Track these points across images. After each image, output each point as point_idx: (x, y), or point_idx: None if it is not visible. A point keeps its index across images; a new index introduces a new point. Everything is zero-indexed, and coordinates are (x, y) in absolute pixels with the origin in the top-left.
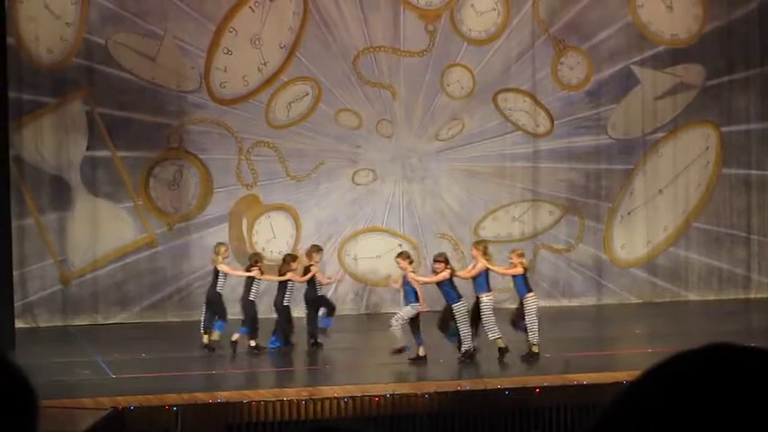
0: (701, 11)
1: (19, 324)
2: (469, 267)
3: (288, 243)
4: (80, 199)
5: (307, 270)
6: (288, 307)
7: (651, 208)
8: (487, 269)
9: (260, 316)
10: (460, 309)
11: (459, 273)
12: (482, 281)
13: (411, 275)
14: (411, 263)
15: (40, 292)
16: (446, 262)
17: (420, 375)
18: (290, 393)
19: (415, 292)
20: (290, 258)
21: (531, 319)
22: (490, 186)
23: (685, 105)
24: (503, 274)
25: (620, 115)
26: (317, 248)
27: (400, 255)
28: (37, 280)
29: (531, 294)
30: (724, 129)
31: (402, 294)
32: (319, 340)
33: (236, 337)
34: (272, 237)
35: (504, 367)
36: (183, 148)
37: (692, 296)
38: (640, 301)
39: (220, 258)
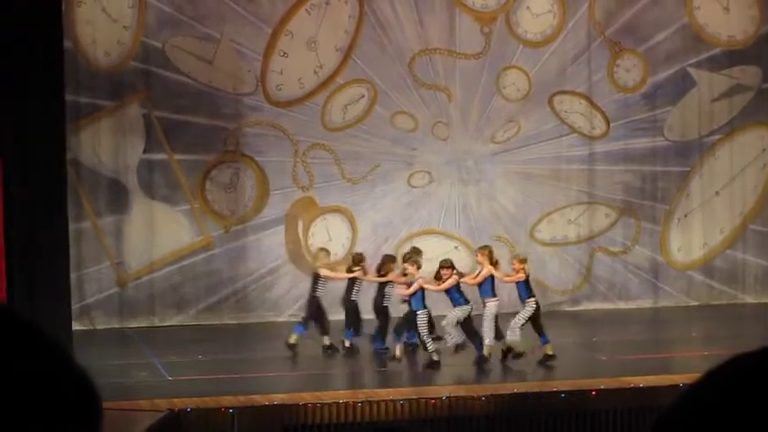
0: (757, 12)
1: (76, 326)
2: (475, 273)
3: (343, 245)
4: (137, 202)
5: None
6: (386, 307)
7: (708, 210)
8: (492, 275)
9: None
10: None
11: (464, 279)
12: (487, 286)
13: (420, 282)
14: (419, 268)
15: (96, 295)
16: (452, 267)
17: (476, 378)
18: (347, 395)
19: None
20: (389, 259)
21: (520, 318)
22: (546, 189)
23: (742, 107)
24: (505, 281)
25: (676, 117)
26: (417, 251)
27: (408, 260)
28: (94, 282)
29: (531, 300)
30: None
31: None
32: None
33: (348, 343)
34: (328, 239)
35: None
36: (240, 151)
37: (749, 299)
38: (697, 303)
39: (320, 263)
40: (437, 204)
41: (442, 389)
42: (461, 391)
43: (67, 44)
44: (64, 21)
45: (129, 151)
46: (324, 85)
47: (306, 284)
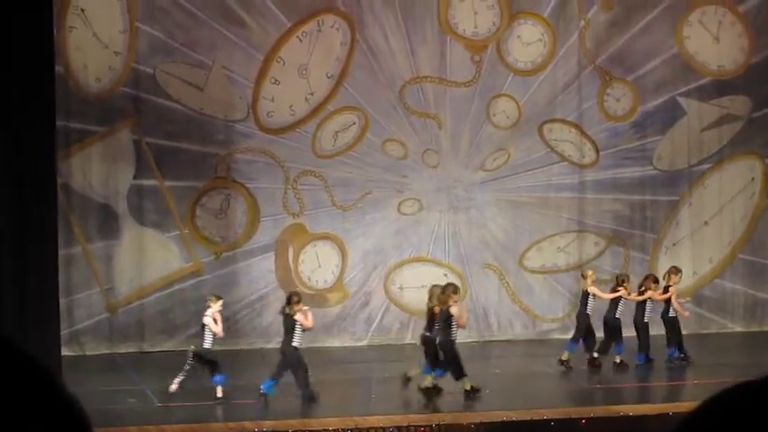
0: (747, 42)
1: (65, 352)
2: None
3: (333, 273)
4: (127, 228)
5: (666, 290)
6: (647, 324)
7: (697, 239)
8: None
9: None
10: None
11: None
12: None
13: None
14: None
15: (86, 321)
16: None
17: (465, 406)
18: (335, 423)
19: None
20: (651, 278)
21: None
22: (535, 217)
23: (731, 137)
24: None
25: (665, 146)
26: (676, 270)
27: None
28: (84, 308)
29: None
30: None
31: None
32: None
33: (618, 359)
34: (318, 266)
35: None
36: (230, 178)
37: (738, 328)
38: (686, 332)
39: (589, 282)
40: (427, 232)
41: (432, 416)
42: (451, 418)
43: (59, 69)
44: (55, 46)
45: (120, 177)
46: (315, 112)
47: None
